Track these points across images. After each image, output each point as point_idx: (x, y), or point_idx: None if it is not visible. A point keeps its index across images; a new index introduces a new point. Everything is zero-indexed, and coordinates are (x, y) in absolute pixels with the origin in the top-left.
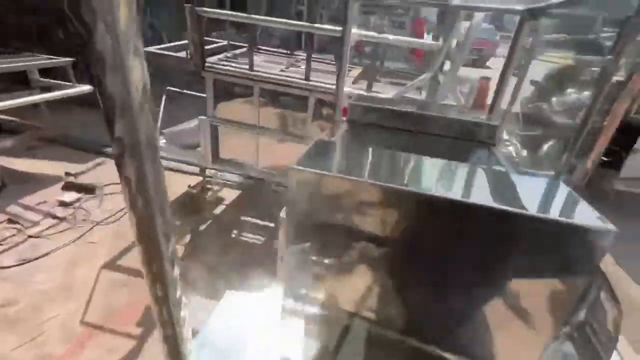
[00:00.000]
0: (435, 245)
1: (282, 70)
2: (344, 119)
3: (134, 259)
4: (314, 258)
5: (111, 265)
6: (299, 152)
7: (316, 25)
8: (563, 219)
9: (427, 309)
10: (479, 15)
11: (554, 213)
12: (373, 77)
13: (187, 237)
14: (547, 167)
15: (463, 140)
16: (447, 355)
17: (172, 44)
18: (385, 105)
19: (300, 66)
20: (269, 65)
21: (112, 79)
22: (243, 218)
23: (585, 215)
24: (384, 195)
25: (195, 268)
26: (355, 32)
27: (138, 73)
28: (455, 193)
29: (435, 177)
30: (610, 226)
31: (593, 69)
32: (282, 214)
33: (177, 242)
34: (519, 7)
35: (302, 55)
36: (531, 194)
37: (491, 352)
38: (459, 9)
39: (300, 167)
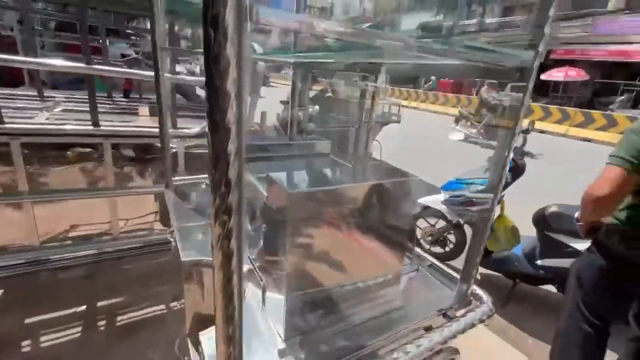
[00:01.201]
0: (345, 215)
1: (47, 118)
2: None
3: None
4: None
5: None
6: (104, 207)
7: (130, 70)
8: (397, 179)
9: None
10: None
11: (393, 178)
12: (173, 114)
13: None
14: None
15: (318, 155)
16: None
17: None
18: (257, 142)
19: (56, 108)
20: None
21: None
22: (29, 320)
23: (404, 175)
24: (328, 195)
25: None
26: (168, 76)
27: None
28: (341, 183)
29: (326, 179)
30: (417, 177)
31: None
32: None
33: None
34: (291, 60)
35: (57, 95)
36: (369, 172)
37: (377, 264)
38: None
39: (297, 190)
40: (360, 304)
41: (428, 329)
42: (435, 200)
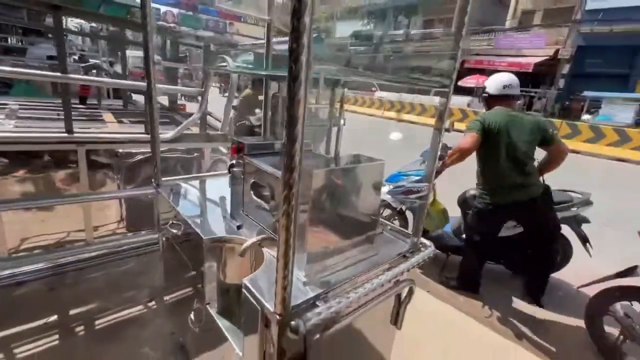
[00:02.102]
0: (346, 190)
1: (16, 126)
2: (236, 155)
3: None
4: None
5: None
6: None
7: (121, 81)
8: (372, 162)
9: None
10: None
11: (366, 162)
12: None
13: None
14: None
15: (304, 150)
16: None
17: None
18: (260, 141)
19: (18, 116)
20: None
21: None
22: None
23: (372, 160)
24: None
25: None
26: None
27: None
28: (328, 167)
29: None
30: (382, 161)
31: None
32: None
33: None
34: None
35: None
36: (352, 160)
37: (363, 227)
38: (212, 69)
39: (319, 170)
40: (351, 254)
41: (394, 265)
42: (382, 191)
